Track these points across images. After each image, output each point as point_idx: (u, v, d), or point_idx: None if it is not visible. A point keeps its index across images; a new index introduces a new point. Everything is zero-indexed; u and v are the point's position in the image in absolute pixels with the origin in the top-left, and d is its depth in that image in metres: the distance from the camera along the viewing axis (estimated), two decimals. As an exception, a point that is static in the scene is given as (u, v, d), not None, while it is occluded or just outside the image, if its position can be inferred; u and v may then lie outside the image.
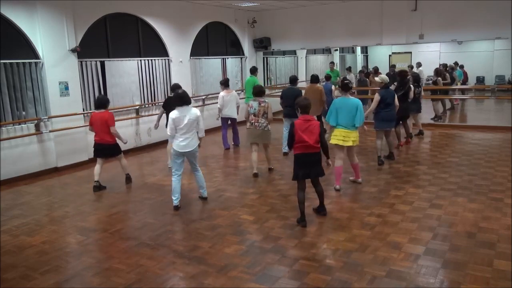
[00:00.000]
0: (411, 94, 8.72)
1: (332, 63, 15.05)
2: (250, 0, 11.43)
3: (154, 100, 10.38)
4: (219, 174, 7.53)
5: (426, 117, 11.18)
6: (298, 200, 5.08)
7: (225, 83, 9.38)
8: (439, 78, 11.83)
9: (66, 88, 8.23)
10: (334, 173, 6.41)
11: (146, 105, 10.13)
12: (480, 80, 17.81)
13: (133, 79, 9.81)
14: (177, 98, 5.61)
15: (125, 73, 9.61)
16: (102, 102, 6.83)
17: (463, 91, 13.96)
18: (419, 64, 16.02)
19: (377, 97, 7.54)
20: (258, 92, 7.21)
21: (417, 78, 9.45)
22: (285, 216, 5.36)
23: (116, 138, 6.83)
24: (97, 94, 8.90)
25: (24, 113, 7.75)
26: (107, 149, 6.83)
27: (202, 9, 11.62)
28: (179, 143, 5.61)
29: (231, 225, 5.16)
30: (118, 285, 3.87)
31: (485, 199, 5.67)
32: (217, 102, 9.59)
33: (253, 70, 10.80)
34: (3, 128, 7.35)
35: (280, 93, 8.97)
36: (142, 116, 10.00)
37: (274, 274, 3.94)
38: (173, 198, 5.80)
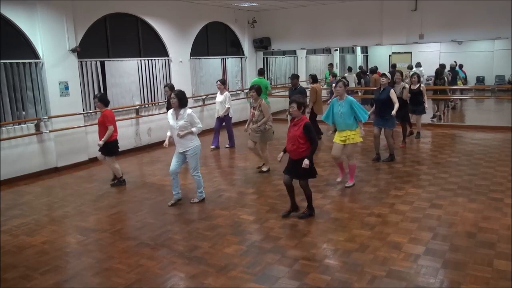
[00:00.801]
0: (424, 93, 9.25)
1: (331, 64, 15.05)
2: (250, 0, 11.43)
3: (154, 100, 10.37)
4: (219, 174, 7.53)
5: (426, 117, 11.15)
6: (310, 195, 5.27)
7: (225, 83, 9.45)
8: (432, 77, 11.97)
9: (66, 88, 8.23)
10: (350, 171, 6.46)
11: (146, 105, 10.13)
12: (480, 80, 17.79)
13: (133, 79, 9.81)
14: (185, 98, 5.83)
15: (125, 73, 9.60)
16: (108, 100, 6.98)
17: (461, 91, 13.91)
18: (418, 64, 15.98)
19: (394, 94, 7.59)
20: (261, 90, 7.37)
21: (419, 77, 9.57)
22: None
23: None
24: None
25: (24, 113, 7.75)
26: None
27: (202, 9, 11.62)
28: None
29: (231, 225, 5.16)
30: (118, 285, 3.87)
31: (485, 199, 5.66)
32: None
33: (261, 72, 10.85)
34: (3, 128, 7.35)
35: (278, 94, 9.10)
36: (142, 116, 10.00)
37: (274, 274, 3.94)
38: (203, 191, 6.06)
